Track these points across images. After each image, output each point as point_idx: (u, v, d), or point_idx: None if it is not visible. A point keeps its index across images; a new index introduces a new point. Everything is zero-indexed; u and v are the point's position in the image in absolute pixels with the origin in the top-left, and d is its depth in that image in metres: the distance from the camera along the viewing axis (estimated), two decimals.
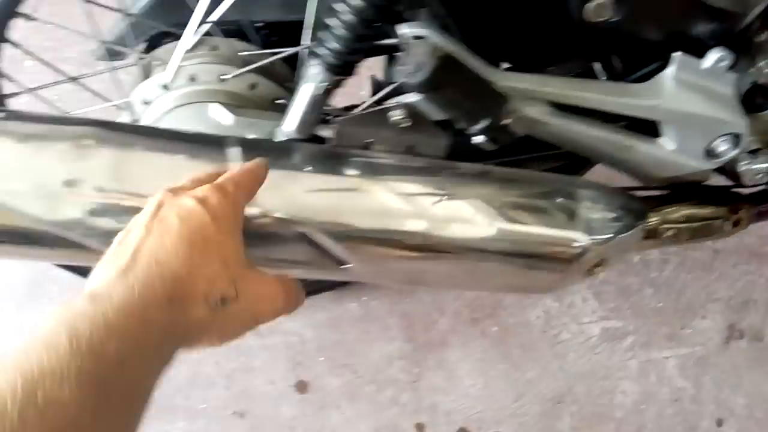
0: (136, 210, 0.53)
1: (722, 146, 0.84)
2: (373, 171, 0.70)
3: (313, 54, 0.73)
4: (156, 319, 0.46)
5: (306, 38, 0.87)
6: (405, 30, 0.69)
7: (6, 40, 0.85)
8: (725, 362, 1.29)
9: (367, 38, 0.71)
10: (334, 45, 0.71)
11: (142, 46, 0.94)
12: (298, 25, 0.91)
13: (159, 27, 0.90)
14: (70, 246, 0.62)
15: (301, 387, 1.24)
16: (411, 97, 0.72)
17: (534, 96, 0.76)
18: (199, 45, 0.88)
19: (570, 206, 0.77)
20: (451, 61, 0.66)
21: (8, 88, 0.94)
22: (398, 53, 0.69)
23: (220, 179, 0.57)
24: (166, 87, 0.88)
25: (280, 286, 0.56)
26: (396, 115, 0.73)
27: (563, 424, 1.23)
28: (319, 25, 0.73)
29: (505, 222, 0.74)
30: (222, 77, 0.88)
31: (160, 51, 0.91)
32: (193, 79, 0.88)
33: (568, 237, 0.76)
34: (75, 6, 0.85)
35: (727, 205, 0.95)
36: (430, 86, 0.65)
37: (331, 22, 0.71)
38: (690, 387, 1.27)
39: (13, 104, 0.91)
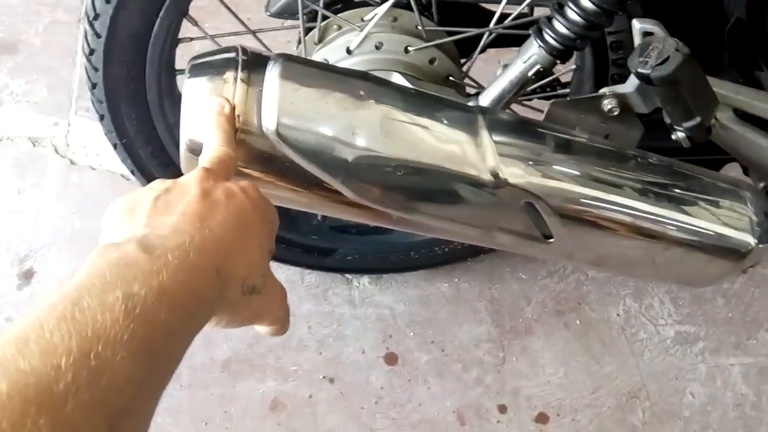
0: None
1: None
2: (592, 156, 0.74)
3: (538, 35, 0.76)
4: (204, 290, 0.44)
5: (491, 22, 0.91)
6: (638, 25, 0.73)
7: None
8: None
9: (598, 27, 0.74)
10: (564, 30, 0.74)
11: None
12: (474, 9, 0.94)
13: None
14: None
15: (390, 359, 1.27)
16: (626, 88, 0.76)
17: (725, 101, 0.81)
18: (382, 15, 0.90)
19: (739, 208, 0.82)
20: (689, 58, 0.70)
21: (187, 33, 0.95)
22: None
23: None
24: (349, 51, 0.90)
25: (285, 298, 0.55)
26: (609, 104, 0.77)
27: (635, 418, 1.28)
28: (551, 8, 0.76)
29: (690, 216, 0.78)
30: (408, 48, 0.90)
31: (346, 14, 0.93)
32: (378, 48, 0.90)
33: (742, 239, 0.81)
34: None
35: None
36: (671, 80, 0.69)
37: (567, 6, 0.74)
38: (752, 394, 1.33)
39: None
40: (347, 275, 1.31)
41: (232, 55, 0.64)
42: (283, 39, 1.06)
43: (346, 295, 1.30)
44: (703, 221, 0.79)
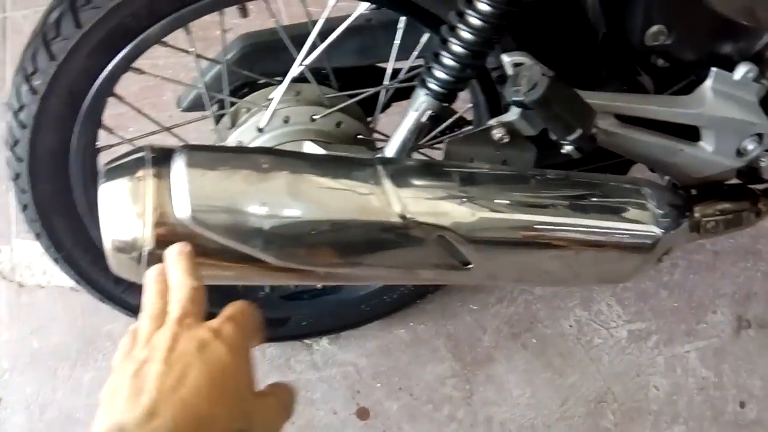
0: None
1: (750, 145, 0.99)
2: (490, 183, 0.80)
3: (422, 84, 0.83)
4: None
5: (384, 79, 0.98)
6: (507, 59, 0.81)
7: (113, 95, 0.92)
8: (739, 350, 1.42)
9: (472, 68, 0.82)
10: (443, 75, 0.82)
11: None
12: (370, 70, 1.02)
13: (250, 76, 0.98)
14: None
15: (362, 414, 1.29)
16: (510, 116, 0.84)
17: (604, 110, 0.89)
18: (285, 91, 0.97)
19: (643, 205, 0.89)
20: (555, 80, 0.77)
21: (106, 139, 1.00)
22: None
23: (229, 311, 0.59)
24: (260, 130, 0.96)
25: (279, 402, 0.57)
26: (498, 133, 0.83)
27: (607, 421, 1.32)
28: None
29: (594, 219, 0.85)
30: (314, 117, 0.96)
31: (251, 97, 1.00)
32: (286, 121, 0.96)
33: (647, 231, 0.88)
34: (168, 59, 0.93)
35: (749, 199, 1.10)
36: (544, 101, 0.76)
37: (441, 54, 0.81)
38: (712, 376, 1.39)
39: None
40: (306, 341, 1.34)
41: (141, 154, 0.69)
42: (205, 129, 1.12)
43: (309, 361, 1.33)
44: (606, 222, 0.85)
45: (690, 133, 0.98)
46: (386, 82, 0.98)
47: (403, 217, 0.73)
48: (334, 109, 0.96)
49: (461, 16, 0.79)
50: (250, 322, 0.60)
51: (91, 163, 0.99)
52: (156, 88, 1.46)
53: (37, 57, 0.84)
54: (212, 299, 0.60)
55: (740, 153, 1.00)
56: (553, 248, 0.82)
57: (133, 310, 1.15)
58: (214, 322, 0.56)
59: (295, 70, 0.92)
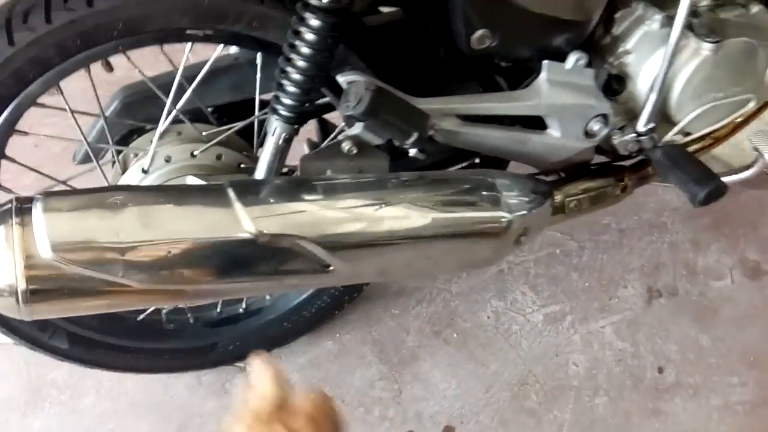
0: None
1: (596, 126, 1.08)
2: (339, 191, 0.89)
3: (273, 111, 0.92)
4: None
5: (255, 111, 1.07)
6: (341, 78, 0.90)
7: (4, 156, 1.00)
8: (652, 319, 1.51)
9: (313, 90, 0.91)
10: (289, 101, 0.91)
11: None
12: (247, 103, 1.11)
13: (133, 124, 1.07)
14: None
15: None
16: (355, 129, 0.93)
17: (444, 113, 0.98)
18: (166, 133, 1.06)
19: (493, 194, 0.98)
20: (380, 91, 0.87)
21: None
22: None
23: (309, 408, 0.65)
24: (145, 171, 1.05)
25: None
26: (347, 146, 0.92)
27: (531, 402, 1.40)
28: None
29: (442, 212, 0.94)
30: (193, 153, 1.05)
31: (134, 143, 1.08)
32: (168, 160, 1.05)
33: (495, 215, 0.96)
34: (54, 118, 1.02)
35: (614, 176, 1.19)
36: (370, 113, 0.85)
37: (282, 83, 0.90)
38: (628, 346, 1.47)
39: None
40: (238, 364, 1.42)
41: (7, 206, 0.77)
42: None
43: (243, 383, 1.40)
44: (455, 213, 0.94)
45: (539, 123, 1.07)
46: (257, 113, 1.07)
47: (253, 232, 0.81)
48: (211, 143, 1.05)
49: (293, 47, 0.88)
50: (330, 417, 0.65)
51: None
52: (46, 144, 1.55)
53: None
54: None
55: (589, 134, 1.09)
56: (406, 243, 0.91)
57: (65, 354, 1.22)
58: (293, 423, 0.61)
59: (169, 114, 1.01)
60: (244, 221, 0.81)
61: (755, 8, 1.13)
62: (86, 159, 1.12)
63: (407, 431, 1.36)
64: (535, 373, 1.43)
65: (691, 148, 1.22)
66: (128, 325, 1.24)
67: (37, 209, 0.75)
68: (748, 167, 1.23)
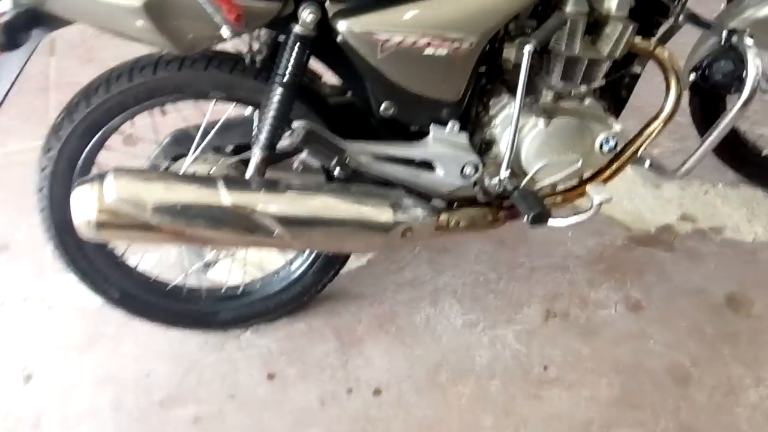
0: None
1: (468, 170, 1.65)
2: (286, 188, 1.49)
3: (254, 141, 1.54)
4: None
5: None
6: (295, 123, 1.52)
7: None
8: (546, 332, 2.00)
9: (280, 131, 1.52)
10: (264, 135, 1.52)
11: None
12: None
13: (180, 153, 1.71)
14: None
15: (271, 376, 1.91)
16: (302, 154, 1.53)
17: (363, 152, 1.58)
18: (196, 159, 1.69)
19: (395, 202, 1.56)
20: (311, 130, 1.47)
21: None
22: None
23: None
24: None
25: None
26: (295, 164, 1.53)
27: (442, 379, 1.89)
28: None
29: (353, 204, 1.51)
30: (210, 172, 1.68)
31: (176, 164, 1.72)
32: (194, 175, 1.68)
33: (388, 214, 1.54)
34: None
35: (490, 209, 1.75)
36: (303, 142, 1.46)
37: (260, 127, 1.52)
38: (523, 348, 1.96)
39: None
40: (235, 331, 1.99)
41: (93, 174, 1.41)
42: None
43: (236, 344, 1.97)
44: (361, 206, 1.51)
45: (430, 165, 1.65)
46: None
47: (229, 204, 1.42)
48: (221, 167, 1.67)
49: (262, 108, 1.51)
50: None
51: None
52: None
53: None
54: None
55: (464, 176, 1.66)
56: (326, 222, 1.49)
57: (116, 302, 1.83)
58: None
59: (196, 146, 1.64)
60: (223, 197, 1.42)
61: (588, 101, 1.69)
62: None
63: (347, 388, 1.88)
64: (448, 360, 1.94)
65: (548, 200, 1.77)
66: (161, 288, 1.85)
67: (109, 176, 1.38)
68: (586, 211, 1.75)
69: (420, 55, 1.47)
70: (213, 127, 1.64)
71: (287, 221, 1.47)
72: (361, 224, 1.51)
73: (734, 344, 1.99)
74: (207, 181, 1.45)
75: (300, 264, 1.89)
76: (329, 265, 1.89)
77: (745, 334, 2.02)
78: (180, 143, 1.73)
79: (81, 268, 1.75)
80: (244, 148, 1.74)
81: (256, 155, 1.54)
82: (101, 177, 1.39)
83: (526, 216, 1.60)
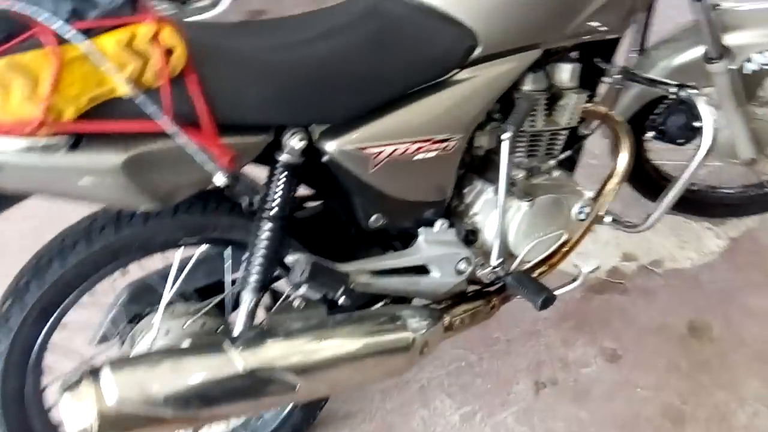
0: None
1: (462, 266, 1.57)
2: (296, 334, 1.32)
3: (243, 285, 1.36)
4: None
5: (225, 289, 1.51)
6: (288, 258, 1.36)
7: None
8: (541, 405, 1.95)
9: (272, 270, 1.36)
10: (255, 277, 1.35)
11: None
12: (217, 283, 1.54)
13: (139, 311, 1.49)
14: None
15: None
16: (302, 290, 1.38)
17: (360, 271, 1.45)
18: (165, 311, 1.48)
19: (401, 322, 1.44)
20: (315, 264, 1.33)
21: None
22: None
23: None
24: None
25: None
26: (297, 302, 1.37)
27: None
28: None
29: (367, 338, 1.38)
30: (183, 327, 1.47)
31: (140, 325, 1.49)
32: (167, 333, 1.46)
33: (404, 336, 1.42)
34: None
35: (484, 299, 1.68)
36: (311, 279, 1.31)
37: (248, 269, 1.35)
38: (527, 429, 1.90)
39: None
40: None
41: (83, 371, 1.17)
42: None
43: None
44: (377, 337, 1.38)
45: (424, 269, 1.56)
46: (229, 289, 1.50)
47: (246, 369, 1.23)
48: (192, 319, 1.46)
49: (251, 247, 1.35)
50: None
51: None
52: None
53: None
54: None
55: (459, 273, 1.58)
56: (345, 362, 1.34)
57: None
58: None
59: (165, 300, 1.43)
60: (237, 362, 1.23)
61: (556, 173, 1.69)
62: (102, 339, 1.51)
63: None
64: None
65: (535, 273, 1.73)
66: None
67: (104, 372, 1.15)
68: (574, 280, 1.74)
69: (410, 161, 1.38)
70: (178, 274, 1.45)
71: (306, 370, 1.31)
72: (384, 351, 1.38)
73: (709, 371, 2.05)
74: (212, 348, 1.25)
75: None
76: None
77: (714, 359, 2.09)
78: (139, 299, 1.51)
79: None
80: (211, 288, 1.56)
81: (246, 301, 1.37)
82: (94, 374, 1.15)
83: (533, 303, 1.55)
